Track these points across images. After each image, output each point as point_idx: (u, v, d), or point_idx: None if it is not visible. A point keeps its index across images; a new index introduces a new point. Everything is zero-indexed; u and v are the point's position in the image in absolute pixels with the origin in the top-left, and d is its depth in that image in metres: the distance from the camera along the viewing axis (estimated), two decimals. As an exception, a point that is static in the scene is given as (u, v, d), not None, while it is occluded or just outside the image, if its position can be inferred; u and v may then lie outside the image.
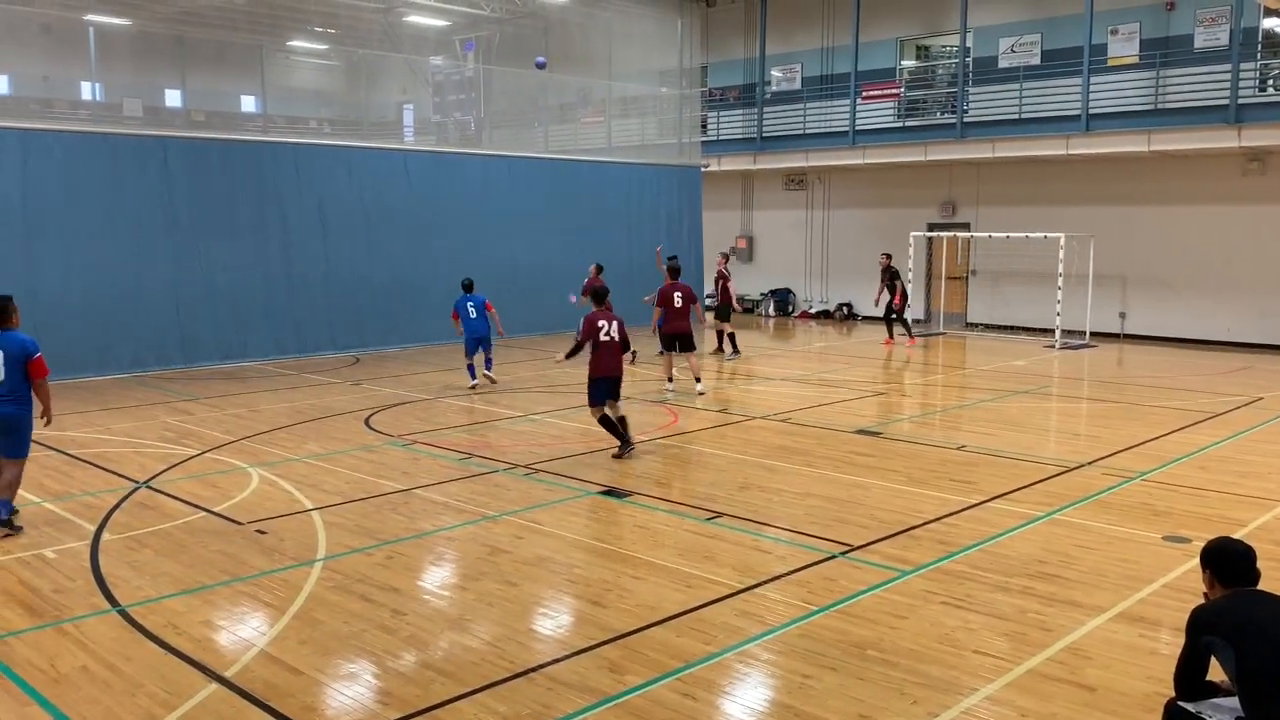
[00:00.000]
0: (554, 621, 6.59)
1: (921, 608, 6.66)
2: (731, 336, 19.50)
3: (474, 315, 15.24)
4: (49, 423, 8.75)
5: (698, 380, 15.07)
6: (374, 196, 20.23)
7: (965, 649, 6.03)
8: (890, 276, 20.94)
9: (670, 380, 15.31)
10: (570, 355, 11.38)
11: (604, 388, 10.98)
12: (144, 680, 5.63)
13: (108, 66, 22.64)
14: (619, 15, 25.97)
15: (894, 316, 21.13)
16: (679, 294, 15.13)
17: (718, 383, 16.44)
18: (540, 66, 17.76)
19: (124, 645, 6.11)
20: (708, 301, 20.76)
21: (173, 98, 28.60)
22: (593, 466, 10.60)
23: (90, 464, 10.69)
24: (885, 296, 21.00)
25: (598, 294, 11.39)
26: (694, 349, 15.50)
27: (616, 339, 10.98)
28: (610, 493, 9.53)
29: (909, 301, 21.66)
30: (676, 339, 15.18)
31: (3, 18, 19.30)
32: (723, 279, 19.69)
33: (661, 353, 15.76)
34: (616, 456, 10.93)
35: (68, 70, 23.71)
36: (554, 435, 12.26)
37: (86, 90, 24.03)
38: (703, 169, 26.72)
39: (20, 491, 9.58)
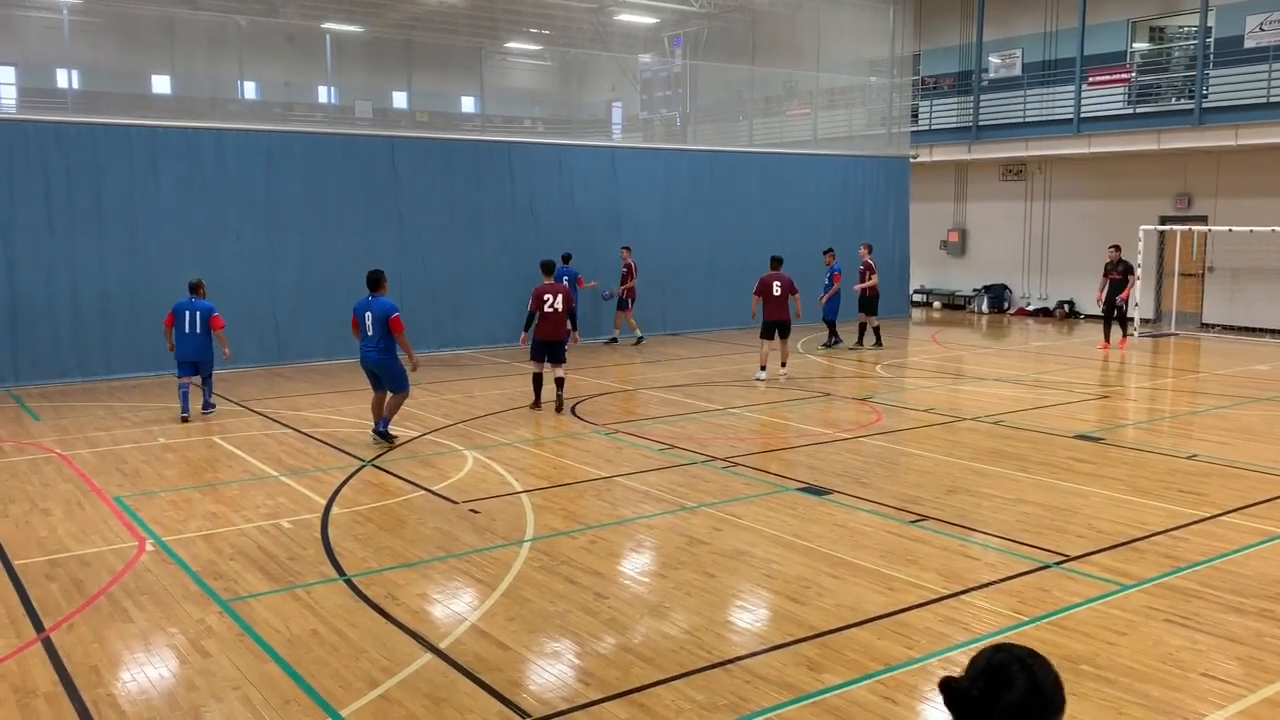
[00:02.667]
0: (751, 615, 6.60)
1: (1143, 624, 6.27)
2: (876, 330, 19.65)
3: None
4: (415, 368, 11.31)
5: (783, 365, 15.79)
6: (582, 192, 20.77)
7: (1192, 671, 5.63)
8: (1123, 270, 19.39)
9: (764, 368, 15.65)
10: (527, 328, 13.31)
11: (541, 349, 13.19)
12: (367, 646, 6.01)
13: (342, 71, 24.25)
14: (828, 5, 25.57)
15: (1120, 314, 19.58)
16: (778, 283, 15.60)
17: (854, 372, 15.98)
18: (607, 298, 18.80)
19: (349, 612, 6.55)
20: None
21: (399, 99, 30.34)
22: (791, 462, 10.54)
23: (323, 442, 11.51)
24: (1105, 293, 19.45)
25: (546, 267, 13.67)
26: (788, 336, 15.86)
27: (560, 309, 13.06)
28: (809, 489, 9.44)
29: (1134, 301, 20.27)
30: (776, 326, 15.58)
31: (254, 29, 20.99)
32: (868, 269, 19.35)
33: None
34: (531, 407, 13.42)
35: (307, 76, 25.54)
36: (752, 429, 12.25)
37: (323, 94, 25.83)
38: (912, 159, 25.97)
39: (260, 465, 10.45)
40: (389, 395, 11.29)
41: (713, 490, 9.44)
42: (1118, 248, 19.86)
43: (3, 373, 15.37)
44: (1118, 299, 19.27)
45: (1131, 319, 20.16)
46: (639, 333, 20.35)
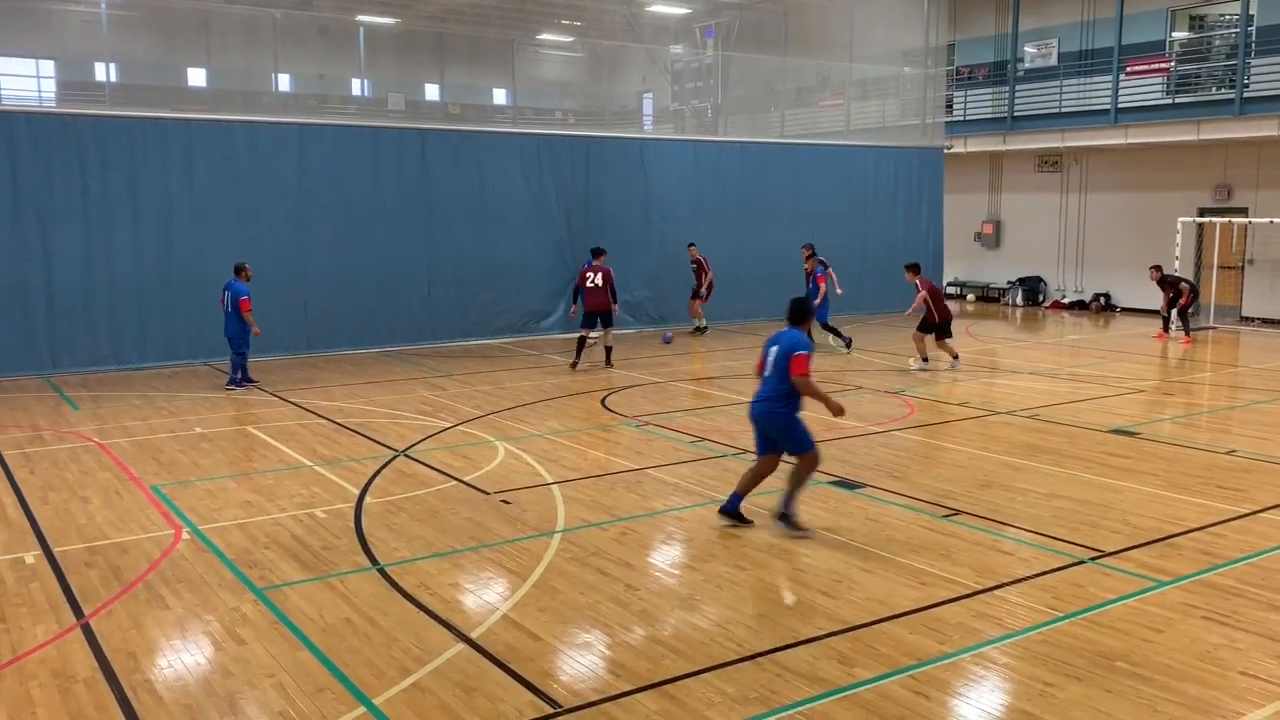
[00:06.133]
0: (782, 608, 6.57)
1: (1180, 621, 6.19)
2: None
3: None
4: (838, 412, 8.00)
5: (955, 357, 16.18)
6: (612, 184, 20.74)
7: (1230, 669, 5.56)
8: (1171, 285, 19.50)
9: (925, 359, 16.11)
10: (575, 300, 16.13)
11: (589, 318, 15.75)
12: (399, 635, 6.05)
13: (375, 64, 24.34)
14: (862, -5, 25.39)
15: (1186, 311, 19.66)
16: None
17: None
18: (667, 341, 18.86)
19: (382, 601, 6.59)
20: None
21: (431, 92, 30.44)
22: (823, 456, 10.46)
23: (356, 432, 11.59)
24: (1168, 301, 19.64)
25: (594, 252, 16.14)
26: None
27: (600, 285, 15.55)
28: (841, 483, 9.39)
29: (1195, 299, 20.15)
30: (948, 325, 15.99)
31: (288, 22, 21.11)
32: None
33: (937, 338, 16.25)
34: (571, 366, 15.90)
35: (340, 69, 25.68)
36: (785, 422, 12.18)
37: (356, 87, 25.95)
38: (946, 150, 25.73)
39: (294, 454, 10.52)
40: (795, 460, 8.09)
41: (743, 483, 9.39)
42: (1158, 268, 19.75)
43: (41, 361, 15.61)
44: (1179, 304, 19.58)
45: (1189, 316, 19.85)
46: (700, 323, 20.71)
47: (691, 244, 20.45)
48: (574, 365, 15.89)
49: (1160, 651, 5.77)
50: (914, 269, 16.40)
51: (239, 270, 14.17)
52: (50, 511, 8.59)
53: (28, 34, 23.50)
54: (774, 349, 8.00)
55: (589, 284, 15.63)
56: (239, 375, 14.40)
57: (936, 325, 15.95)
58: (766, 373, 8.04)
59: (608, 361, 16.04)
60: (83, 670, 5.63)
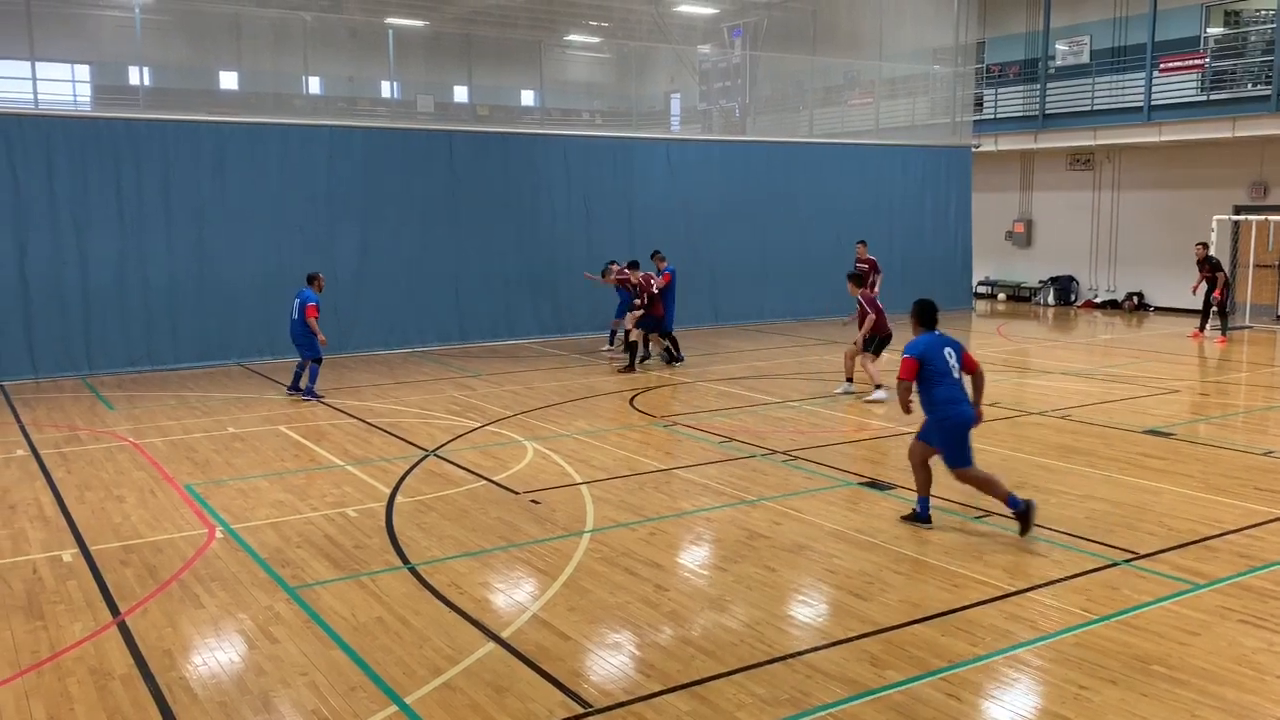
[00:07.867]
0: (813, 610, 6.55)
1: (1216, 624, 6.11)
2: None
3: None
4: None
5: (878, 386, 13.36)
6: (640, 185, 20.75)
7: (1268, 673, 5.48)
8: (1211, 268, 19.25)
9: (850, 380, 13.91)
10: (633, 307, 16.09)
11: (650, 322, 16.11)
12: (430, 634, 6.08)
13: (404, 66, 24.47)
14: (891, -7, 25.24)
15: (1212, 309, 19.43)
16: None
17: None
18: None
19: (413, 600, 6.63)
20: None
21: (460, 94, 30.58)
22: (853, 457, 10.44)
23: (387, 432, 11.66)
24: (1204, 287, 19.34)
25: (635, 263, 16.73)
26: None
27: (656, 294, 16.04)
28: (872, 484, 9.34)
29: (1231, 294, 19.80)
30: (885, 343, 13.78)
31: (318, 25, 21.29)
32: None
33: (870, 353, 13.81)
34: (621, 370, 15.98)
35: (369, 71, 25.84)
36: (813, 423, 12.16)
37: (385, 89, 26.09)
38: (975, 149, 25.53)
39: (326, 454, 10.59)
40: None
41: (773, 484, 9.39)
42: (1204, 245, 19.49)
43: (77, 362, 15.81)
44: (1211, 297, 19.25)
45: (1227, 314, 19.56)
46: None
47: (861, 241, 19.32)
48: (635, 366, 16.06)
49: (1196, 655, 5.70)
50: (857, 281, 14.08)
51: (311, 280, 13.75)
52: (86, 510, 8.70)
53: (64, 39, 23.80)
54: (950, 350, 7.84)
55: (656, 291, 16.06)
56: (311, 385, 13.73)
57: (876, 341, 13.66)
58: (958, 376, 7.83)
59: (669, 360, 16.53)
60: (119, 667, 5.69)
